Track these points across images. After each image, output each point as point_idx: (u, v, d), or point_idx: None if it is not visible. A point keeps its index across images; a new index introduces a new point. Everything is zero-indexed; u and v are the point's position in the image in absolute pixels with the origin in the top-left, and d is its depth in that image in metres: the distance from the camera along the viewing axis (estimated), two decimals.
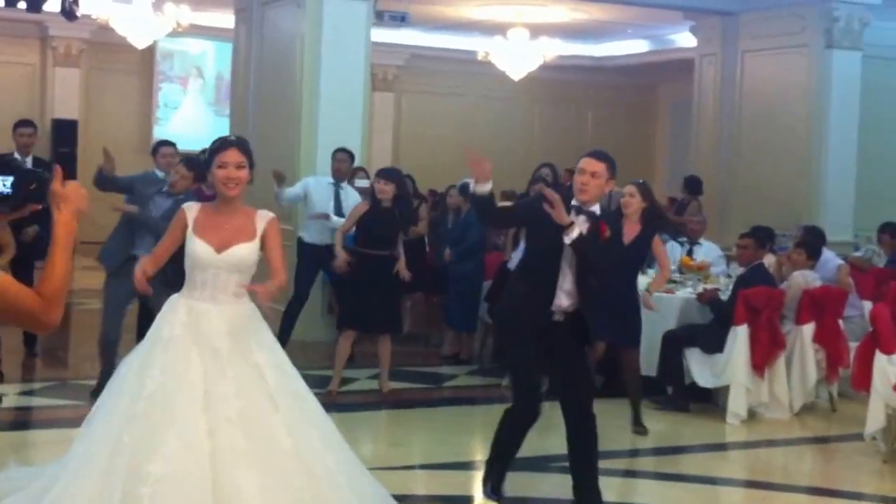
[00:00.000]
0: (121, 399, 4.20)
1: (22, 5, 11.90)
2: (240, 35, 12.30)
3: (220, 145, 4.53)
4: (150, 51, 16.61)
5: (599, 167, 5.14)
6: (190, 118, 17.96)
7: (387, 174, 8.09)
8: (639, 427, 7.27)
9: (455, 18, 16.13)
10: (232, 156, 4.42)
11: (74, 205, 2.77)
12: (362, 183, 9.87)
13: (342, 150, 9.41)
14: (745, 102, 13.20)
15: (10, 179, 2.82)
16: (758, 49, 13.05)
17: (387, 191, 7.80)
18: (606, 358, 7.72)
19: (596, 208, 5.16)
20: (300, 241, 9.43)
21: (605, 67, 19.19)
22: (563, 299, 5.12)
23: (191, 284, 4.42)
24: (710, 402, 8.11)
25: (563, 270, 5.09)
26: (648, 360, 8.07)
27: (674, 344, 7.98)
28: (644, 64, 18.47)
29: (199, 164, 7.35)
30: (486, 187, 5.01)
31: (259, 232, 4.44)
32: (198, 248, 4.39)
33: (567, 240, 4.97)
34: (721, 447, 7.35)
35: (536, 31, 15.23)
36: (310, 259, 9.29)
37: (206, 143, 15.29)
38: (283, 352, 4.50)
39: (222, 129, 14.11)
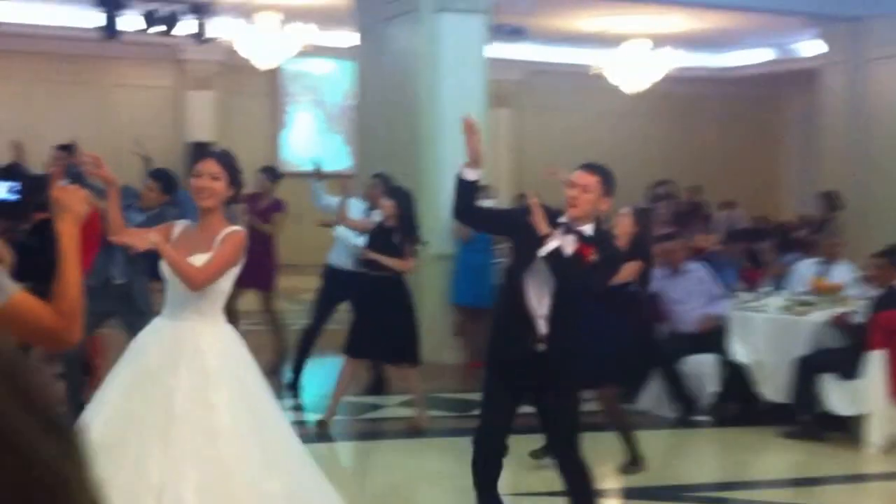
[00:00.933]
0: None
1: (159, 28, 12.41)
2: (362, 54, 12.44)
3: (200, 155, 4.42)
4: (277, 72, 16.91)
5: (591, 180, 4.52)
6: (315, 138, 18.25)
7: (391, 190, 7.72)
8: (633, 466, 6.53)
9: (573, 31, 16.03)
10: (207, 166, 4.23)
11: (76, 212, 2.60)
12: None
13: (376, 175, 8.88)
14: (876, 113, 12.80)
15: (15, 186, 2.67)
16: (888, 56, 12.64)
17: (388, 207, 7.43)
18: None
19: (588, 228, 4.51)
20: (326, 266, 9.00)
21: (725, 78, 18.83)
22: (543, 326, 4.49)
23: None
24: (847, 430, 7.83)
25: (541, 294, 4.46)
26: (780, 386, 7.88)
27: (807, 369, 7.76)
28: (766, 74, 18.08)
29: (167, 176, 6.90)
30: (474, 174, 4.54)
31: (216, 244, 4.17)
32: (163, 264, 4.23)
33: (542, 252, 4.36)
34: (860, 478, 7.13)
35: (655, 41, 15.03)
36: (330, 283, 8.76)
37: (330, 163, 15.57)
38: (235, 382, 4.10)
39: (347, 148, 14.30)
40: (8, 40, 14.91)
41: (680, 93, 18.51)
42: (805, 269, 9.43)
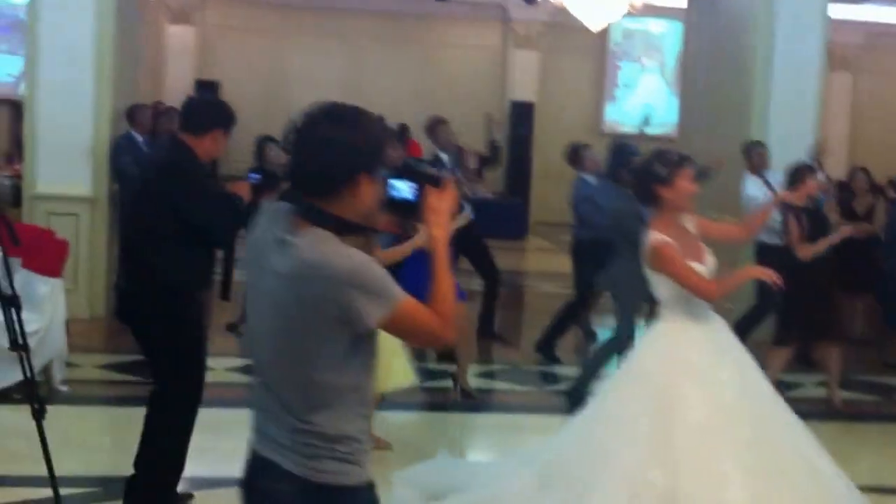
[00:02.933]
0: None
1: None
2: (692, 15, 12.17)
3: (686, 161, 4.54)
4: (605, 31, 16.84)
5: None
6: (646, 99, 18.13)
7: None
8: None
9: None
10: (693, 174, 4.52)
11: (447, 217, 2.62)
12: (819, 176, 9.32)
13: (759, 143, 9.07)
14: None
15: (414, 186, 2.59)
16: None
17: (813, 186, 7.25)
18: None
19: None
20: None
21: None
22: None
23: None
24: None
25: None
26: None
27: None
28: None
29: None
30: None
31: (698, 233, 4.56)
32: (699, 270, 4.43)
33: None
34: None
35: None
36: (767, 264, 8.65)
37: (658, 124, 15.32)
38: None
39: (676, 110, 14.06)
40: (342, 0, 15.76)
41: None
42: None
